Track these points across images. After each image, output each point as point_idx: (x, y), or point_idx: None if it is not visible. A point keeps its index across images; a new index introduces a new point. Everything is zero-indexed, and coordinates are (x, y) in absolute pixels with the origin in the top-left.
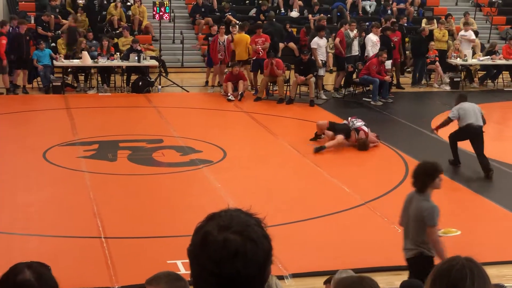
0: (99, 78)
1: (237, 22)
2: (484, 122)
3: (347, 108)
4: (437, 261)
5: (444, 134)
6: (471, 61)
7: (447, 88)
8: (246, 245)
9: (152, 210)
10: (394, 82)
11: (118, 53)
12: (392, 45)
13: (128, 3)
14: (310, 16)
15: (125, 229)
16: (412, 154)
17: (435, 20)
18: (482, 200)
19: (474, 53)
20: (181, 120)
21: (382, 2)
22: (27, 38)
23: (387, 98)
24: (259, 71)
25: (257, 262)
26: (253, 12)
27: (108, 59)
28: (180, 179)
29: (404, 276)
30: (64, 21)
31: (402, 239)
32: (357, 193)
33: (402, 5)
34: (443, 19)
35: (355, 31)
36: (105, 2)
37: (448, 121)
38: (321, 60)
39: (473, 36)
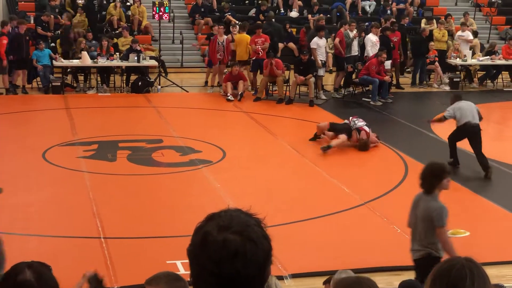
0: (99, 78)
1: (237, 22)
2: (481, 119)
3: (347, 108)
4: None
5: (444, 134)
6: (470, 61)
7: (447, 88)
8: (246, 245)
9: (152, 210)
10: (394, 82)
11: (117, 53)
12: (391, 45)
13: (128, 3)
14: (309, 16)
15: (124, 229)
16: (411, 154)
17: (434, 20)
18: (481, 200)
19: (473, 53)
20: (180, 120)
21: (382, 2)
22: (27, 38)
23: (386, 98)
24: (259, 71)
25: (257, 262)
26: (252, 12)
27: (107, 59)
28: (179, 179)
29: (404, 276)
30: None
31: (409, 240)
32: (356, 193)
33: (401, 5)
34: (443, 19)
35: (354, 31)
36: (105, 2)
37: (442, 119)
38: (320, 60)
39: (470, 37)
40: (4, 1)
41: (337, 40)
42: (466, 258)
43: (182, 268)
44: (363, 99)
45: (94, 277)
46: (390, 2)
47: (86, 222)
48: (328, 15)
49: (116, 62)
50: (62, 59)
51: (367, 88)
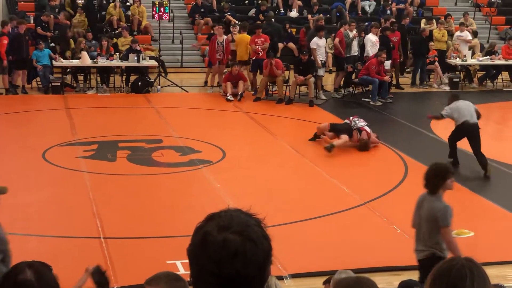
0: (99, 78)
1: (237, 22)
2: (479, 117)
3: (347, 108)
4: None
5: (444, 134)
6: (470, 61)
7: (447, 88)
8: (246, 245)
9: (152, 210)
10: (394, 82)
11: (117, 53)
12: (391, 45)
13: (128, 3)
14: (309, 16)
15: (124, 229)
16: (411, 154)
17: (434, 20)
18: (481, 200)
19: (473, 53)
20: (180, 120)
21: (382, 2)
22: (26, 38)
23: (386, 98)
24: (259, 71)
25: (257, 263)
26: (252, 12)
27: (107, 59)
28: (179, 179)
29: (404, 276)
30: (68, 22)
31: (413, 241)
32: (356, 193)
33: (401, 5)
34: (442, 19)
35: (354, 31)
36: (104, 2)
37: (440, 117)
38: (320, 60)
39: (469, 37)
40: (4, 1)
41: (337, 40)
42: (466, 258)
43: (182, 268)
44: (363, 99)
45: (97, 269)
46: (389, 2)
47: (86, 222)
48: (328, 15)
49: (116, 62)
50: (62, 59)
51: (367, 88)
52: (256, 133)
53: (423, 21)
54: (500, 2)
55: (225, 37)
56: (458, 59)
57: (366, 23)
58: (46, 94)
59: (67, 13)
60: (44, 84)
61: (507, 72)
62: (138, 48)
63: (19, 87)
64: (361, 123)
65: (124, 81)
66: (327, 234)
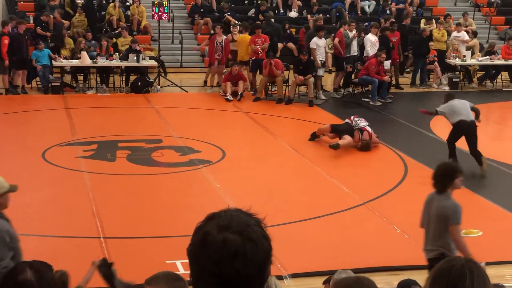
0: (98, 78)
1: (236, 22)
2: (478, 113)
3: (346, 108)
4: None
5: (444, 134)
6: (470, 61)
7: (446, 88)
8: (246, 245)
9: (151, 210)
10: (393, 82)
11: (117, 53)
12: (391, 45)
13: (127, 3)
14: (309, 16)
15: (124, 229)
16: (411, 154)
17: (434, 20)
18: (481, 200)
19: (473, 54)
20: (180, 120)
21: (381, 2)
22: (26, 38)
23: (386, 98)
24: (258, 71)
25: (257, 262)
26: (252, 12)
27: (107, 59)
28: (179, 179)
29: (403, 276)
30: (63, 21)
31: (423, 240)
32: (356, 193)
33: (401, 5)
34: (442, 19)
35: (354, 31)
36: (104, 2)
37: (434, 113)
38: (320, 60)
39: (466, 37)
40: (4, 1)
41: (336, 40)
42: (466, 258)
43: (181, 268)
44: (362, 99)
45: (103, 262)
46: (389, 2)
47: (86, 222)
48: (328, 15)
49: (115, 62)
50: (62, 59)
51: (366, 88)
52: (256, 133)
53: (422, 21)
54: (499, 2)
55: (224, 37)
56: (457, 59)
57: (366, 23)
58: (46, 94)
59: (63, 11)
60: (43, 84)
61: (506, 72)
62: (137, 48)
63: (19, 87)
64: (363, 123)
65: (123, 81)
66: (327, 234)
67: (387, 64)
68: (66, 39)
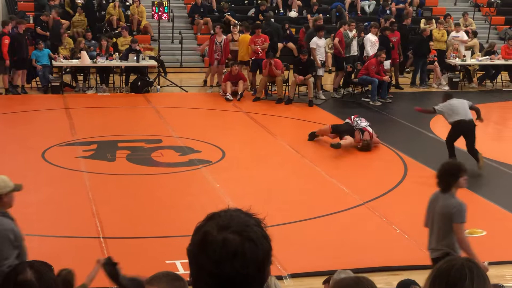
0: (98, 78)
1: (236, 22)
2: (478, 111)
3: (346, 108)
4: None
5: (443, 134)
6: (469, 61)
7: (446, 88)
8: (245, 245)
9: (151, 210)
10: (393, 82)
11: (117, 53)
12: (390, 45)
13: (127, 3)
14: (309, 16)
15: (123, 229)
16: (411, 154)
17: (433, 20)
18: (480, 200)
19: (473, 53)
20: (180, 120)
21: (381, 2)
22: (26, 38)
23: (386, 98)
24: (258, 71)
25: (256, 262)
26: (252, 12)
27: (107, 59)
28: (179, 179)
29: (403, 276)
30: (63, 21)
31: (427, 239)
32: (356, 193)
33: (401, 5)
34: (442, 19)
35: (354, 31)
36: (104, 2)
37: (431, 111)
38: (320, 60)
39: (465, 37)
40: (4, 1)
41: (336, 40)
42: (465, 257)
43: (181, 268)
44: (362, 99)
45: (108, 261)
46: (389, 2)
47: (86, 222)
48: (328, 15)
49: (115, 62)
50: (62, 59)
51: (366, 88)
52: (256, 133)
53: (422, 21)
54: (499, 2)
55: (224, 37)
56: (457, 59)
57: (366, 23)
58: (46, 94)
59: (60, 11)
60: (43, 84)
61: (506, 72)
62: (137, 48)
63: (18, 86)
64: (363, 123)
65: (123, 81)
66: (326, 234)
67: (387, 64)
68: (66, 39)
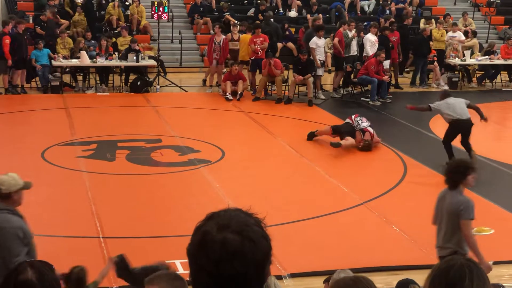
0: (98, 78)
1: (236, 21)
2: (477, 109)
3: (346, 108)
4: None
5: (443, 134)
6: (469, 61)
7: (446, 88)
8: (245, 245)
9: (151, 210)
10: (393, 82)
11: (116, 53)
12: (390, 45)
13: (127, 3)
14: (308, 16)
15: (123, 229)
16: (410, 154)
17: (433, 20)
18: (480, 200)
19: (472, 53)
20: (179, 120)
21: (381, 2)
22: (25, 37)
23: (385, 98)
24: (258, 71)
25: (256, 262)
26: (251, 12)
27: (106, 59)
28: (178, 179)
29: (402, 275)
30: (62, 20)
31: (435, 237)
32: (355, 193)
33: (400, 5)
34: (442, 19)
35: (353, 31)
36: (104, 1)
37: (427, 108)
38: (319, 60)
39: (462, 37)
40: (3, 1)
41: (336, 39)
42: (465, 257)
43: (181, 267)
44: (361, 99)
45: (121, 258)
46: (389, 2)
47: (85, 222)
48: (327, 15)
49: (115, 62)
50: (61, 59)
51: (365, 88)
52: (255, 132)
53: (422, 21)
54: (499, 2)
55: (223, 36)
56: (457, 58)
57: (365, 23)
58: (45, 94)
59: (55, 10)
60: (43, 84)
61: (506, 72)
62: (137, 47)
63: (18, 86)
64: (364, 123)
65: (123, 81)
66: (326, 233)
67: (386, 64)
68: (66, 38)
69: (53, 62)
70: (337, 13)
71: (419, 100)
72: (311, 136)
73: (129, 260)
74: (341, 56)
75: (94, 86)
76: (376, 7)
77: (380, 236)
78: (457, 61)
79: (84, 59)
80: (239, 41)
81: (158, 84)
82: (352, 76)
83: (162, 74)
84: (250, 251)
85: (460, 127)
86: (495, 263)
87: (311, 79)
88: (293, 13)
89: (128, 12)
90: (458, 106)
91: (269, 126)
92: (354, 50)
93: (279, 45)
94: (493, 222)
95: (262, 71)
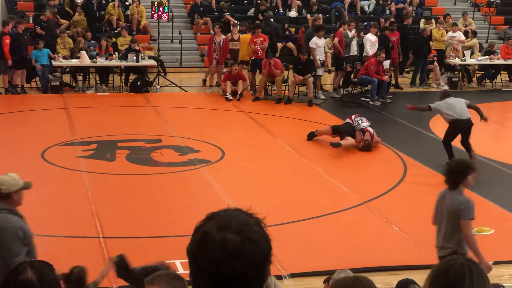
0: (98, 78)
1: (236, 21)
2: (479, 111)
3: (346, 108)
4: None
5: (443, 134)
6: (469, 61)
7: (446, 88)
8: (245, 245)
9: (151, 209)
10: (393, 82)
11: (116, 53)
12: (390, 45)
13: (127, 3)
14: (308, 16)
15: (123, 229)
16: (410, 154)
17: (433, 20)
18: (480, 200)
19: (472, 53)
20: (179, 120)
21: (381, 2)
22: (25, 37)
23: (385, 98)
24: (258, 71)
25: (256, 262)
26: (251, 12)
27: (106, 59)
28: (178, 179)
29: (402, 275)
30: (62, 20)
31: (435, 237)
32: (355, 193)
33: (400, 5)
34: (442, 19)
35: (353, 31)
36: (104, 1)
37: (427, 108)
38: (319, 60)
39: (462, 37)
40: (3, 1)
41: (336, 39)
42: (465, 257)
43: (181, 267)
44: (361, 99)
45: (121, 258)
46: (389, 2)
47: (85, 222)
48: (327, 15)
49: (115, 62)
50: (61, 59)
51: (365, 88)
52: (255, 132)
53: (422, 20)
54: (499, 2)
55: (223, 37)
56: (457, 58)
57: (365, 23)
58: (45, 94)
59: (55, 10)
60: (43, 84)
61: (506, 72)
62: (137, 47)
63: (18, 86)
64: (364, 123)
65: (123, 81)
66: (326, 233)
67: (386, 64)
68: (66, 38)
69: (53, 62)
70: (337, 13)
71: (419, 100)
72: (311, 136)
73: (129, 260)
74: (341, 56)
75: (94, 86)
76: (376, 7)
77: (380, 236)
78: (457, 61)
79: (84, 59)
80: (239, 41)
81: (158, 84)
82: (352, 76)
83: (162, 74)
84: (250, 251)
85: (460, 127)
86: (495, 263)
87: (311, 79)
88: (293, 13)
89: (128, 12)
90: (458, 106)
91: (269, 126)
92: (354, 50)
93: (279, 45)
94: (493, 222)
95: (262, 71)
